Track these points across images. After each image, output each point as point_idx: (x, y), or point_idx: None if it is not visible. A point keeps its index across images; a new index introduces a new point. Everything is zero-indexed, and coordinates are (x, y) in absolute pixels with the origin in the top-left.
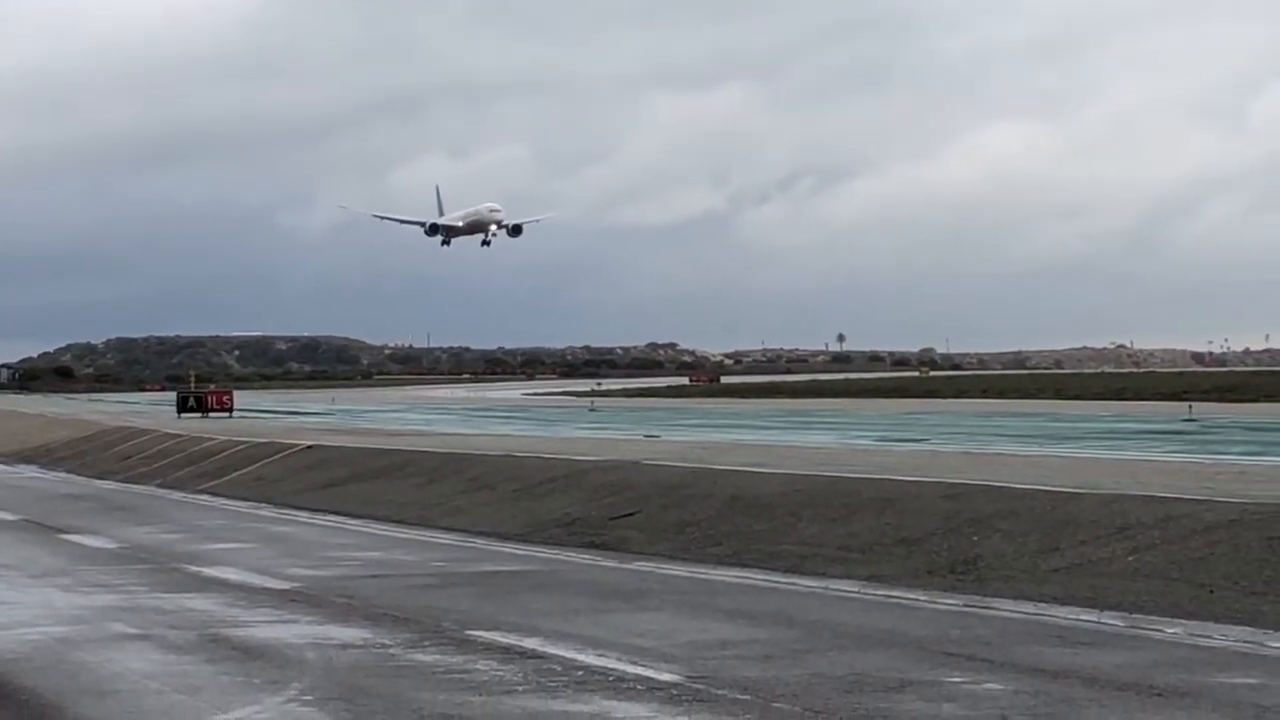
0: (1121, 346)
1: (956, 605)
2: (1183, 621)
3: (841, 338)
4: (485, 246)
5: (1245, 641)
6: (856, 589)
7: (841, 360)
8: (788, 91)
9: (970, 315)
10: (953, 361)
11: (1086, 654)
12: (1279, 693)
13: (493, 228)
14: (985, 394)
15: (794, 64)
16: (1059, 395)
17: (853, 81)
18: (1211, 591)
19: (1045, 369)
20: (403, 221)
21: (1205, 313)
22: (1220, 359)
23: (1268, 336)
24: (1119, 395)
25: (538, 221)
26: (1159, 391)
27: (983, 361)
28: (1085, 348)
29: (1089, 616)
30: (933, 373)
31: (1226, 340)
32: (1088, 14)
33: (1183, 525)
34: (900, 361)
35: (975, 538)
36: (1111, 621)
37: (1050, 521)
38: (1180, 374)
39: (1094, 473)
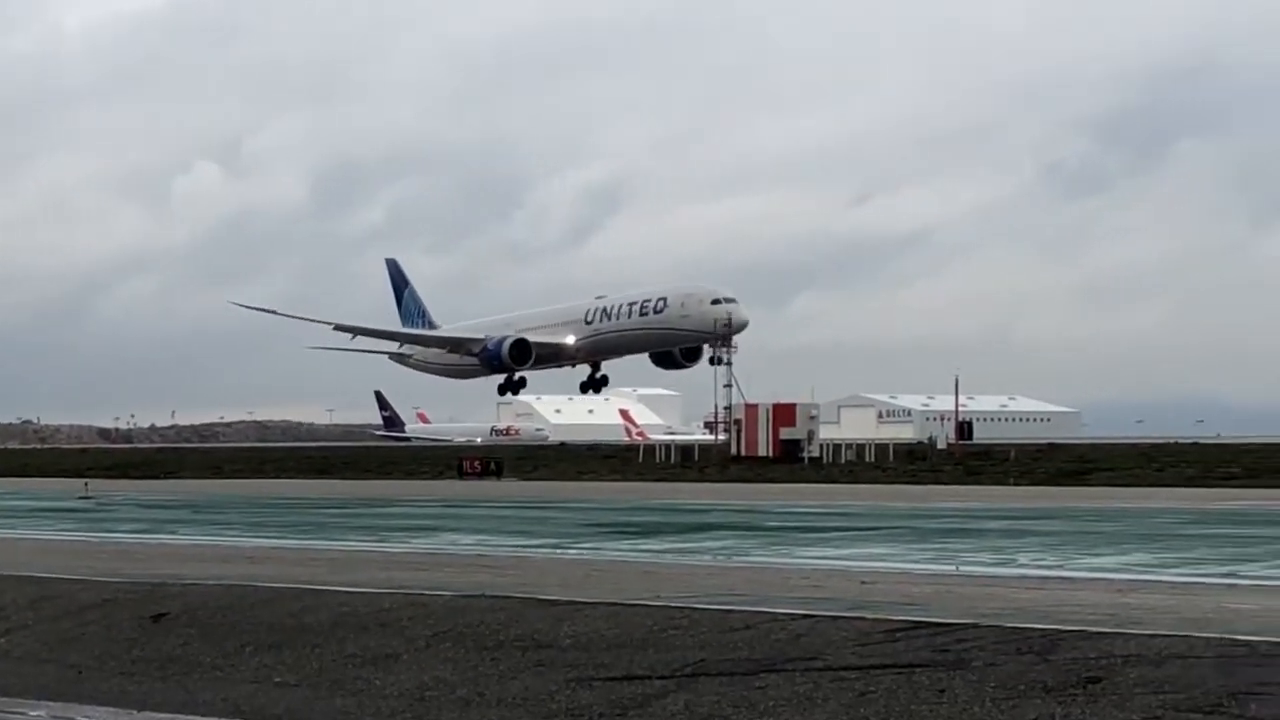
0: (28, 422)
1: None
2: (48, 703)
3: None
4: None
5: None
6: None
7: None
8: None
9: None
10: None
11: None
12: None
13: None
14: None
15: None
16: None
17: None
18: (80, 672)
19: None
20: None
21: (116, 390)
22: (127, 435)
23: (174, 413)
24: (22, 472)
25: None
26: (62, 468)
27: None
28: None
29: None
30: None
31: (134, 416)
32: (21, 91)
33: (57, 605)
34: None
35: None
36: None
37: None
38: (85, 450)
39: None
